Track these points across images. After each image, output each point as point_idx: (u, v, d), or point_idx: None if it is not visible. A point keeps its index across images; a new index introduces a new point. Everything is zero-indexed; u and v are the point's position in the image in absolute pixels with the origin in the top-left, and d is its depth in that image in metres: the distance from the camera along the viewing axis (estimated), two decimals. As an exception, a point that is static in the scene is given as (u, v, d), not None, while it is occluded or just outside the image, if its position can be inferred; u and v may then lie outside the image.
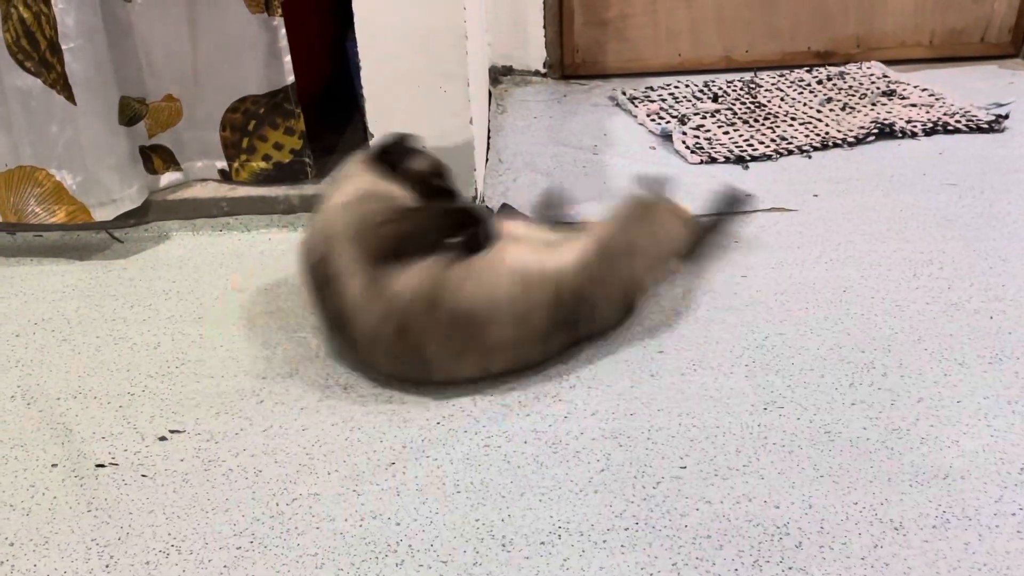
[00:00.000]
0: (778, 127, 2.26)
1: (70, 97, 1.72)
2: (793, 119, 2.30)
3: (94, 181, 1.79)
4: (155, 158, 1.93)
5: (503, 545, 1.10)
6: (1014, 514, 1.11)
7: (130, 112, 1.85)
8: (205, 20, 1.81)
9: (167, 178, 1.96)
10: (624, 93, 2.51)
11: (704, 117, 2.33)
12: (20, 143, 1.76)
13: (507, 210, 1.93)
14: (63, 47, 1.68)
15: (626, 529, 1.12)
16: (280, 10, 1.77)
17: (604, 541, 1.10)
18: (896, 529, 1.09)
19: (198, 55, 1.85)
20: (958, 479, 1.17)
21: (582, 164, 2.16)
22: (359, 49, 1.76)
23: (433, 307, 1.31)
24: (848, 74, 2.54)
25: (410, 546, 1.11)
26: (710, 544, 1.09)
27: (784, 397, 1.33)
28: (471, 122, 1.82)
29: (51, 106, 1.72)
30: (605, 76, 2.69)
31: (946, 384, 1.34)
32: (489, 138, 2.27)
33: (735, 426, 1.27)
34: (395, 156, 1.54)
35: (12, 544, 1.15)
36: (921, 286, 1.58)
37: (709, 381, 1.37)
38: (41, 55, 1.69)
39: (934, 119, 2.23)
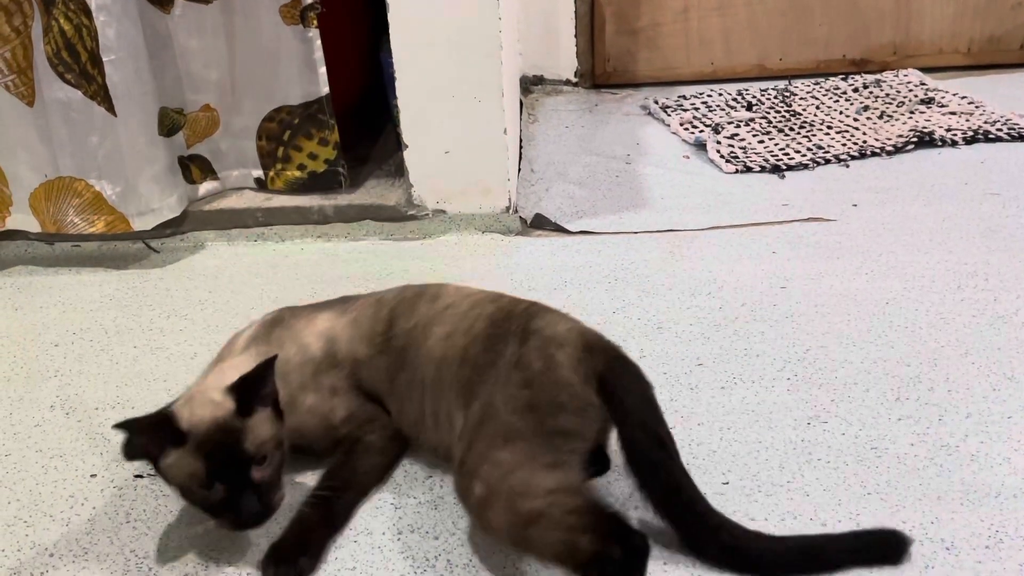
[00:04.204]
0: (814, 136, 2.23)
1: (110, 108, 1.73)
2: (829, 128, 2.27)
3: (133, 191, 1.81)
4: (193, 168, 1.95)
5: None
6: (1071, 535, 1.08)
7: (169, 123, 1.87)
8: (242, 32, 1.82)
9: (205, 187, 1.97)
10: (656, 102, 2.49)
11: (738, 126, 2.31)
12: (60, 154, 1.78)
13: (540, 220, 1.92)
14: (104, 59, 1.70)
15: (668, 546, 1.09)
16: (315, 22, 1.78)
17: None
18: (948, 549, 1.06)
19: (235, 66, 1.86)
20: (1010, 497, 1.13)
21: (615, 174, 2.15)
22: (394, 60, 1.77)
23: None
24: (885, 82, 2.51)
25: (448, 560, 1.10)
26: (755, 562, 1.06)
27: (828, 412, 1.30)
28: (505, 132, 1.82)
29: (91, 117, 1.74)
30: (636, 85, 2.68)
31: (995, 399, 1.31)
32: (521, 148, 2.27)
33: (778, 441, 1.25)
34: None
35: (52, 555, 1.15)
36: (966, 298, 1.55)
37: (750, 395, 1.35)
38: (82, 67, 1.71)
39: (975, 127, 2.19)
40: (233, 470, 1.05)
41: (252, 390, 1.09)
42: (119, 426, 1.08)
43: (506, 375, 1.09)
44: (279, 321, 1.29)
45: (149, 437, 1.09)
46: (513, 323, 1.15)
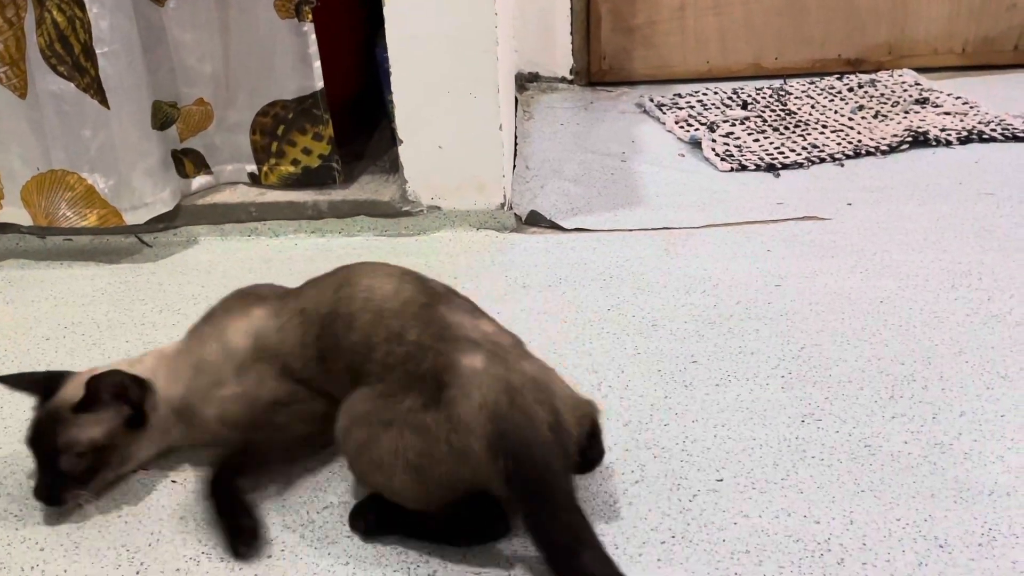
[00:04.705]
0: (809, 135, 2.23)
1: (103, 101, 1.72)
2: (824, 127, 2.28)
3: (126, 185, 1.80)
4: (187, 162, 1.94)
5: (537, 557, 1.08)
6: (1063, 533, 1.08)
7: (162, 116, 1.86)
8: (236, 25, 1.82)
9: (198, 182, 1.96)
10: (652, 100, 2.49)
11: (734, 124, 2.31)
12: (52, 147, 1.77)
13: (535, 217, 1.92)
14: (97, 51, 1.68)
15: (662, 543, 1.10)
16: (310, 16, 1.78)
17: (640, 555, 1.08)
18: (941, 546, 1.07)
19: (229, 59, 1.85)
20: (1003, 495, 1.14)
21: (610, 171, 2.15)
22: (389, 55, 1.76)
23: None
24: (880, 82, 2.51)
25: (442, 557, 1.09)
26: (749, 559, 1.06)
27: (822, 409, 1.30)
28: (500, 128, 1.81)
29: (84, 110, 1.73)
30: (632, 83, 2.68)
31: (989, 398, 1.31)
32: (516, 145, 2.26)
33: (772, 438, 1.25)
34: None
35: (43, 549, 1.14)
36: (960, 297, 1.55)
37: (744, 392, 1.35)
38: (75, 59, 1.69)
39: (969, 127, 2.20)
40: (42, 452, 1.16)
41: (91, 392, 1.16)
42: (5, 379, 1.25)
43: (403, 416, 1.06)
44: (210, 317, 1.30)
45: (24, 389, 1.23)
46: (425, 376, 1.07)
